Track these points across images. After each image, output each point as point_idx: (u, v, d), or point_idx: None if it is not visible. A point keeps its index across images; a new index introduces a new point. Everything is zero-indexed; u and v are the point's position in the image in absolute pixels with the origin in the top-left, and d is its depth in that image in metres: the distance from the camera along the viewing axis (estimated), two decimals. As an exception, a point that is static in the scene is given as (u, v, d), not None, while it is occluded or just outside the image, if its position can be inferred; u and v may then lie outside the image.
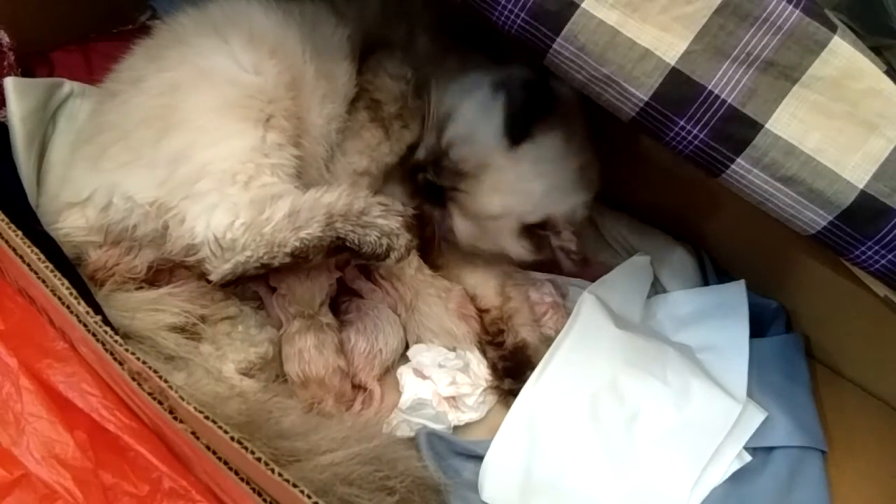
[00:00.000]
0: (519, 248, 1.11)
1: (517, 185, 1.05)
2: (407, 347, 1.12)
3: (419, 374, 1.07)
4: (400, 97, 1.10)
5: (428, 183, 1.09)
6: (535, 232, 1.09)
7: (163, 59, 0.98)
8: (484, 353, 1.13)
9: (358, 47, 1.11)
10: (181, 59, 0.98)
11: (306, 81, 1.02)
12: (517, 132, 1.03)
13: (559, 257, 1.11)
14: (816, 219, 0.78)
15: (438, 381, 1.05)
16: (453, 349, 1.11)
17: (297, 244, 0.90)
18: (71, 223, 0.96)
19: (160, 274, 0.98)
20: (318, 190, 0.94)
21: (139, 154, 0.93)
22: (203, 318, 0.97)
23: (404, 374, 1.08)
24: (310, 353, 1.00)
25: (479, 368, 1.10)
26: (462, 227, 1.10)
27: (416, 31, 1.16)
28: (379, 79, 1.10)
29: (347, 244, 0.92)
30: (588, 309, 1.11)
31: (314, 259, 0.94)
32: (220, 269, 0.92)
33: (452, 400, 1.06)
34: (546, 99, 1.03)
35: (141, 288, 0.97)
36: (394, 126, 1.10)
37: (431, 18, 1.17)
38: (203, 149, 0.92)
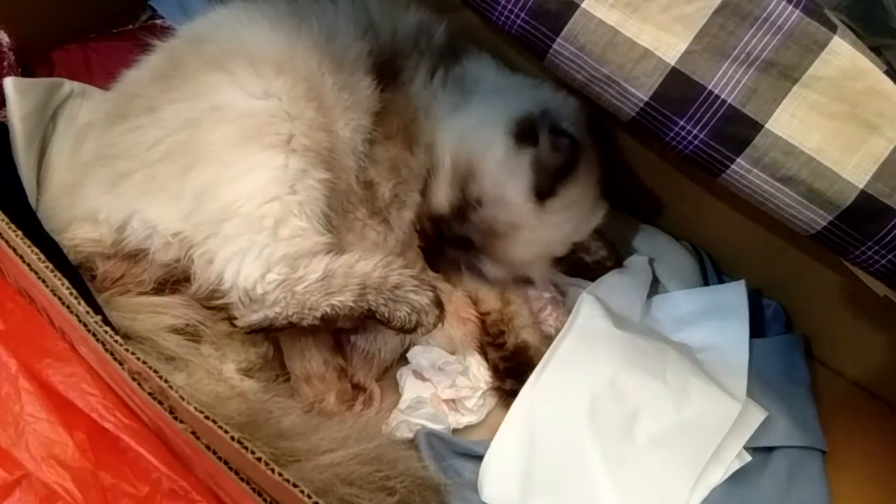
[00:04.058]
0: (550, 276, 1.16)
1: (547, 235, 1.08)
2: (406, 348, 1.12)
3: (419, 375, 1.07)
4: (392, 169, 1.08)
5: (453, 236, 1.09)
6: (566, 258, 1.13)
7: (174, 91, 0.97)
8: (485, 354, 1.13)
9: (377, 64, 1.09)
10: (193, 95, 0.97)
11: (326, 92, 1.01)
12: (546, 193, 1.04)
13: (595, 270, 1.17)
14: (816, 219, 0.78)
15: (438, 384, 1.05)
16: (452, 352, 1.11)
17: (328, 310, 0.91)
18: (82, 235, 0.96)
19: (164, 285, 0.98)
20: (353, 255, 0.95)
21: (162, 185, 0.93)
22: (204, 320, 0.97)
23: (404, 375, 1.08)
24: (310, 351, 1.00)
25: (479, 371, 1.10)
26: (493, 272, 1.12)
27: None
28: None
29: (377, 316, 0.93)
30: (587, 309, 1.10)
31: (342, 324, 0.96)
32: (247, 319, 0.93)
33: (452, 403, 1.06)
34: (575, 155, 1.03)
35: (143, 294, 0.97)
36: (392, 213, 1.09)
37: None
38: (228, 184, 0.92)
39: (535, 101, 1.08)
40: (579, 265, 1.16)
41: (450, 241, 1.09)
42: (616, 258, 1.19)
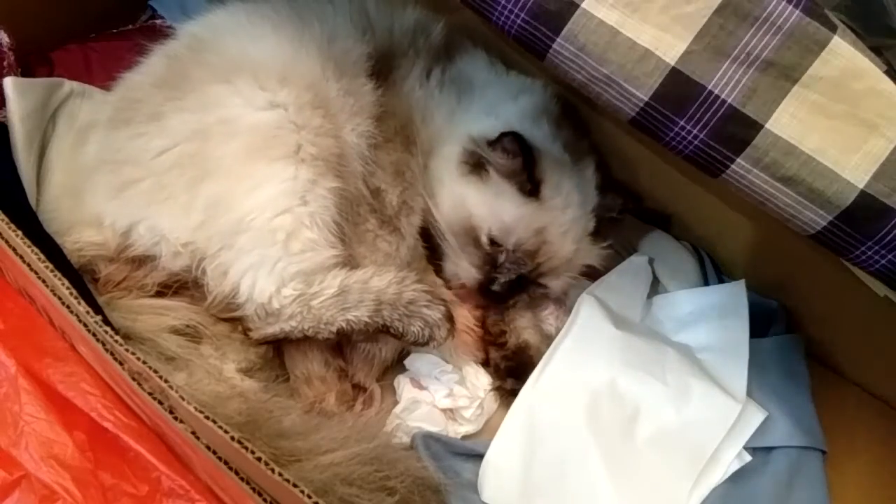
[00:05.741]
0: (602, 250, 1.15)
1: (568, 217, 1.08)
2: (406, 351, 1.12)
3: (416, 384, 1.07)
4: (397, 174, 1.08)
5: (505, 285, 1.08)
6: (601, 229, 1.13)
7: (179, 100, 0.97)
8: (486, 354, 1.12)
9: (375, 65, 1.09)
10: (199, 106, 0.96)
11: (331, 98, 1.01)
12: (533, 192, 1.05)
13: (633, 221, 1.21)
14: (816, 219, 0.78)
15: (435, 393, 1.05)
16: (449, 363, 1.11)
17: (344, 325, 0.94)
18: (86, 238, 0.96)
19: (167, 288, 0.99)
20: (367, 271, 0.96)
21: (171, 195, 0.94)
22: (204, 321, 0.97)
23: (401, 382, 1.07)
24: (311, 352, 1.00)
25: (477, 379, 1.09)
26: (559, 283, 1.13)
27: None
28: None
29: (391, 331, 0.95)
30: (587, 309, 1.10)
31: (356, 337, 0.98)
32: (263, 331, 0.95)
33: (450, 412, 1.05)
34: (524, 143, 1.03)
35: (145, 296, 0.97)
36: (402, 221, 1.09)
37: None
38: (239, 197, 0.93)
39: (468, 131, 1.08)
40: (618, 220, 1.17)
41: (504, 296, 1.08)
42: (632, 197, 1.18)
